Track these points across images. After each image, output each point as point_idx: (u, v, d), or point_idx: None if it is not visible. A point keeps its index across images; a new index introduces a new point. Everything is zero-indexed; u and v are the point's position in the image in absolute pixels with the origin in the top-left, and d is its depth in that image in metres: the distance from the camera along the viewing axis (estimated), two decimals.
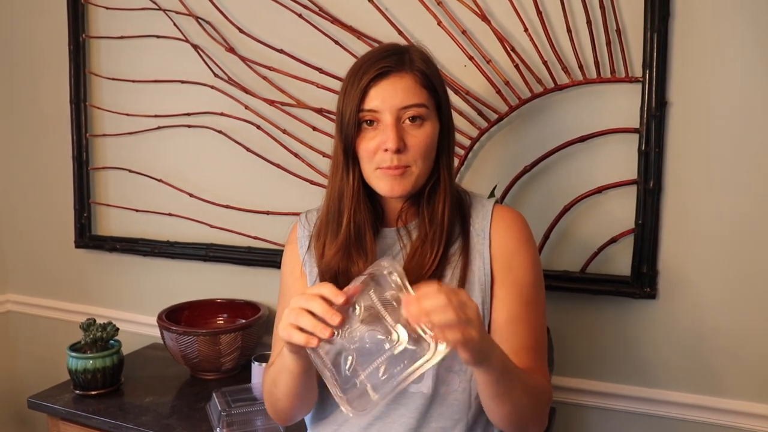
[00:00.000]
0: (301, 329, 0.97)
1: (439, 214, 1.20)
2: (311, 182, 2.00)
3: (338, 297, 0.96)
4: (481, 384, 1.04)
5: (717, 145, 1.56)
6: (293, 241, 1.34)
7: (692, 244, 1.62)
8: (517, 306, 1.18)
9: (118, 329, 1.91)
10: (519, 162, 1.74)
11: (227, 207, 2.14)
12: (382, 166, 1.17)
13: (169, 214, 2.25)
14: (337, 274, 1.18)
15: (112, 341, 1.89)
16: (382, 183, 1.18)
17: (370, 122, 1.17)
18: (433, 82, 1.18)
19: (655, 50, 1.55)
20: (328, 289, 0.97)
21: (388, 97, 1.14)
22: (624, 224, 1.67)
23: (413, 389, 1.20)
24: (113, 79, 2.25)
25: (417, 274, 1.15)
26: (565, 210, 1.71)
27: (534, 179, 1.74)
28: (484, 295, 1.19)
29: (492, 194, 1.65)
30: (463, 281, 1.19)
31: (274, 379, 1.19)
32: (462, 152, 1.80)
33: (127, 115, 2.25)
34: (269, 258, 2.08)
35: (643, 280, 1.65)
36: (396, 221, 1.25)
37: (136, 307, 2.37)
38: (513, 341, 1.16)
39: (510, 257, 1.21)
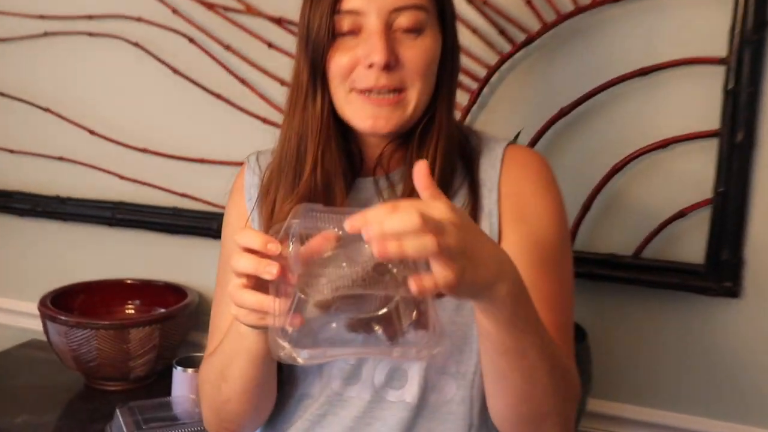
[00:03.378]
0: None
1: (431, 161, 1.21)
2: (264, 120, 1.99)
3: (269, 245, 0.93)
4: (481, 329, 1.02)
5: None
6: (239, 189, 1.35)
7: None
8: (530, 267, 1.17)
9: None
10: (553, 102, 1.74)
11: (144, 151, 2.14)
12: (362, 86, 1.17)
13: (60, 159, 2.23)
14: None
15: None
16: (361, 112, 1.18)
17: (349, 31, 1.17)
18: None
19: None
20: (250, 238, 0.94)
21: None
22: (698, 193, 1.68)
23: (392, 397, 1.22)
24: None
25: None
26: (615, 170, 1.71)
27: (573, 126, 1.75)
28: None
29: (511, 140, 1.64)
30: None
31: (221, 371, 1.19)
32: (475, 86, 1.79)
33: None
34: (202, 223, 2.09)
35: (721, 271, 1.66)
36: (375, 168, 1.26)
37: (7, 288, 2.36)
38: None
39: (523, 206, 1.23)
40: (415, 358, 0.90)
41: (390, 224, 0.81)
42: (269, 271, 0.92)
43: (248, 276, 0.95)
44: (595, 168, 1.73)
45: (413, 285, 0.83)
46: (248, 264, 0.94)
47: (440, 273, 0.83)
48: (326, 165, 1.20)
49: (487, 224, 1.22)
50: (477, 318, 1.01)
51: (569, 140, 1.76)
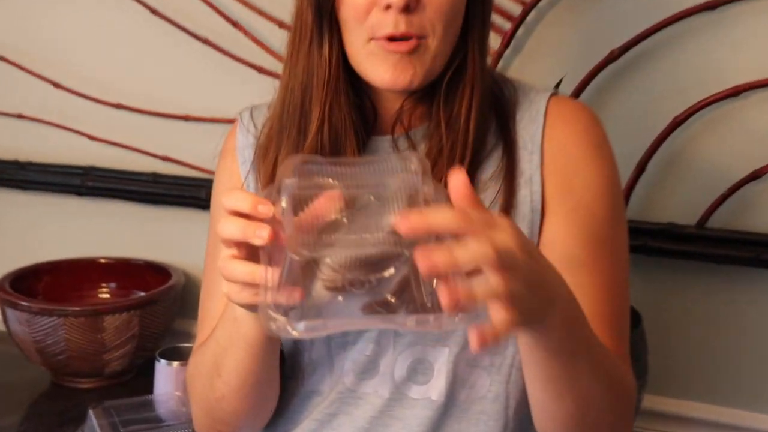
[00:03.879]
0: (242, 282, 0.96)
1: (463, 116, 1.21)
2: (259, 69, 1.98)
3: (260, 207, 0.91)
4: (526, 357, 1.04)
5: None
6: (230, 151, 1.35)
7: None
8: (579, 246, 1.20)
9: None
10: (601, 43, 1.73)
11: (118, 106, 2.14)
12: (380, 34, 1.15)
13: (19, 116, 2.23)
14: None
15: None
16: (381, 66, 1.17)
17: None
18: None
19: None
20: (238, 199, 0.93)
21: None
22: None
23: (415, 394, 1.22)
24: None
25: None
26: (676, 124, 1.70)
27: (625, 72, 1.74)
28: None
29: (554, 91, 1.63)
30: None
31: (214, 363, 1.19)
32: (508, 26, 1.79)
33: None
34: (189, 191, 2.10)
35: None
36: (393, 126, 1.25)
37: None
38: None
39: (570, 173, 1.23)
40: (434, 328, 0.89)
41: (462, 257, 0.79)
42: (259, 235, 0.90)
43: (239, 245, 0.94)
44: (653, 121, 1.72)
45: (473, 339, 0.82)
46: (235, 228, 0.92)
47: (500, 318, 0.82)
48: (335, 121, 1.20)
49: (527, 193, 1.22)
50: (520, 344, 1.02)
51: (621, 89, 1.75)
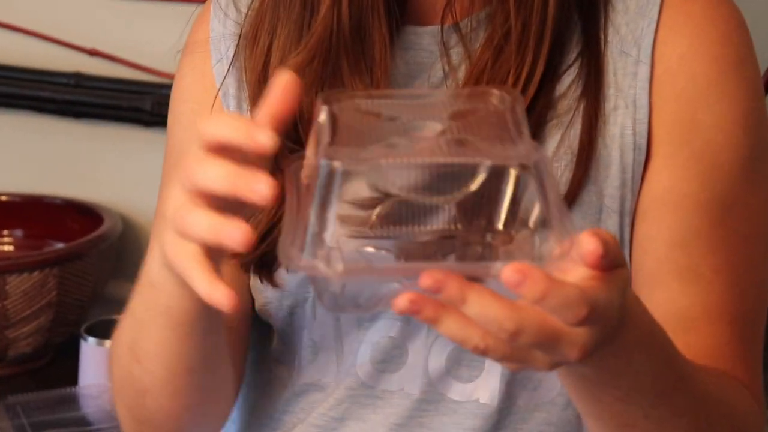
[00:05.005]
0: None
1: (538, 7, 1.18)
2: None
3: (258, 136, 0.82)
4: (585, 411, 1.01)
5: None
6: (200, 44, 1.33)
7: None
8: (699, 211, 1.17)
9: None
10: None
11: None
12: None
13: None
14: (300, 118, 1.10)
15: None
16: None
17: None
18: None
19: None
20: (223, 124, 0.85)
21: None
22: None
23: (457, 395, 1.21)
24: None
25: None
26: None
27: None
28: (623, 198, 1.19)
29: None
30: (584, 161, 1.18)
31: (132, 342, 1.15)
32: None
33: None
34: (127, 101, 2.16)
35: None
36: (442, 14, 1.21)
37: None
38: (682, 295, 1.15)
39: (695, 102, 1.19)
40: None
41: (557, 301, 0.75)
42: (257, 189, 0.81)
43: (211, 197, 0.85)
44: None
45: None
46: (218, 174, 0.83)
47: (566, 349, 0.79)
48: None
49: (627, 121, 1.18)
50: (572, 391, 0.98)
51: None
